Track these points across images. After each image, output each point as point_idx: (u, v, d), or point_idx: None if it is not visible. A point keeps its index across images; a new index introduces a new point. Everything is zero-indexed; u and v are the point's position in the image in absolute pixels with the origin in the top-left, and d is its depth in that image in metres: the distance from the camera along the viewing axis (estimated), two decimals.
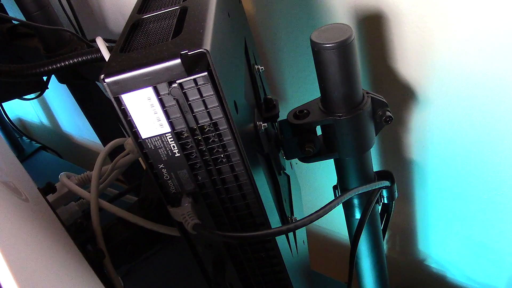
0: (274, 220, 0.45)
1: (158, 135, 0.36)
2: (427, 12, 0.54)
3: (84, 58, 0.61)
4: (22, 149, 1.61)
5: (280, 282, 0.49)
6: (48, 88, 1.04)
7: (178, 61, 0.32)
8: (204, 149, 0.37)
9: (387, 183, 0.58)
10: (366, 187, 0.55)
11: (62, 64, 0.62)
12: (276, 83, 0.78)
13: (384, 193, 0.60)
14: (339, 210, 0.56)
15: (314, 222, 0.41)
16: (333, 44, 0.45)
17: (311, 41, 0.46)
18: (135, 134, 0.36)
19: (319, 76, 0.49)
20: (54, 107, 1.58)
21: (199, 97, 0.34)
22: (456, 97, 0.59)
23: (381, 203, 0.62)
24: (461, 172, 0.67)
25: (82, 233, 0.50)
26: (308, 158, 0.54)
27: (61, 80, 0.90)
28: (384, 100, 0.52)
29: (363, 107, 0.50)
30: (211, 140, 0.37)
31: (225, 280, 0.47)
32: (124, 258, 0.53)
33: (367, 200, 0.57)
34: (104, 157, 0.55)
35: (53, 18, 0.81)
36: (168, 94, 0.34)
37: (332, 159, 0.56)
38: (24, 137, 1.67)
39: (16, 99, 1.14)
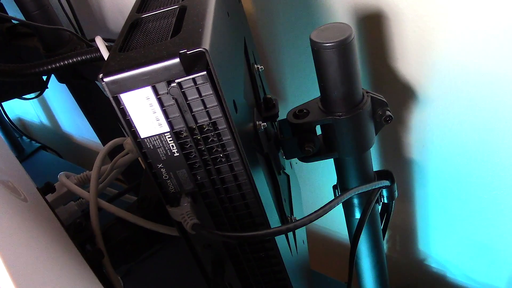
0: (274, 219, 0.45)
1: (157, 134, 0.36)
2: (427, 12, 0.54)
3: (83, 57, 0.61)
4: (22, 148, 1.61)
5: (280, 282, 0.49)
6: (48, 88, 1.04)
7: (177, 60, 0.32)
8: (203, 148, 0.37)
9: (387, 183, 0.58)
10: (366, 186, 0.55)
11: (62, 63, 0.62)
12: (276, 83, 0.78)
13: (384, 192, 0.60)
14: (339, 209, 0.56)
15: (314, 222, 0.41)
16: (332, 44, 0.45)
17: (311, 40, 0.46)
18: (134, 133, 0.36)
19: (318, 76, 0.49)
20: (54, 107, 1.58)
21: (198, 96, 0.34)
22: (456, 97, 0.59)
23: (381, 202, 0.62)
24: (461, 172, 0.67)
25: (81, 233, 0.50)
26: (307, 157, 0.54)
27: (60, 79, 0.90)
28: (384, 100, 0.52)
29: (363, 106, 0.50)
30: (210, 139, 0.36)
31: (224, 280, 0.47)
32: (123, 258, 0.52)
33: (367, 199, 0.57)
34: (103, 156, 0.55)
35: (52, 17, 0.81)
36: (167, 93, 0.34)
37: (332, 159, 0.56)
38: (24, 137, 1.67)
39: (16, 99, 1.13)
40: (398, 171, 0.74)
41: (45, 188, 0.53)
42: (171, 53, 0.32)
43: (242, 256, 0.46)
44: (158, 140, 0.36)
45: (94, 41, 0.59)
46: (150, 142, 0.36)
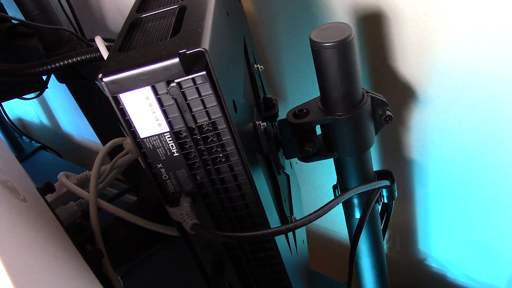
0: (274, 219, 0.45)
1: (157, 134, 0.36)
2: (427, 11, 0.54)
3: (83, 57, 0.61)
4: (22, 148, 1.61)
5: (280, 282, 0.49)
6: (47, 88, 1.04)
7: (177, 60, 0.32)
8: (203, 148, 0.37)
9: (387, 183, 0.58)
10: (365, 186, 0.55)
11: (61, 63, 0.62)
12: (276, 82, 0.78)
13: (384, 192, 0.60)
14: (339, 209, 0.56)
15: (313, 222, 0.41)
16: (332, 43, 0.45)
17: (311, 40, 0.46)
18: (134, 133, 0.36)
19: (318, 75, 0.49)
20: (54, 107, 1.58)
21: (197, 96, 0.34)
22: (456, 96, 0.59)
23: (381, 202, 0.62)
24: (461, 172, 0.67)
25: (81, 233, 0.50)
26: (307, 157, 0.54)
27: (60, 79, 0.90)
28: (383, 99, 0.52)
29: (363, 106, 0.50)
30: (209, 139, 0.36)
31: (224, 280, 0.47)
32: (123, 258, 0.52)
33: (367, 199, 0.57)
34: (103, 156, 0.55)
35: (52, 17, 0.81)
36: (167, 93, 0.34)
37: (332, 159, 0.56)
38: (24, 137, 1.67)
39: (16, 99, 1.13)
40: (398, 171, 0.74)
41: (45, 188, 0.53)
42: (171, 53, 0.32)
43: (242, 256, 0.46)
44: (158, 140, 0.36)
45: (94, 41, 0.59)
46: (150, 142, 0.36)
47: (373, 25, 0.59)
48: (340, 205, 0.56)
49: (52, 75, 0.98)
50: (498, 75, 0.53)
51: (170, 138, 0.36)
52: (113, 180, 0.59)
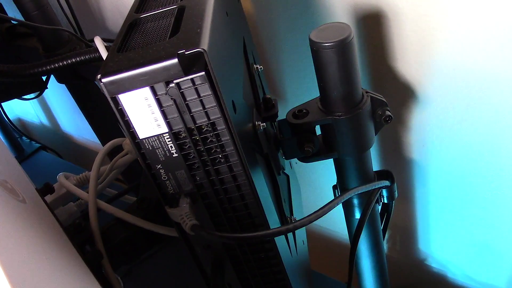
0: (273, 220, 0.45)
1: (156, 135, 0.36)
2: (427, 11, 0.54)
3: (82, 57, 0.61)
4: (22, 149, 1.61)
5: (280, 283, 0.49)
6: (47, 88, 1.04)
7: (175, 60, 0.32)
8: (202, 149, 0.37)
9: (387, 183, 0.58)
10: (365, 187, 0.55)
11: (61, 64, 0.61)
12: (275, 83, 0.78)
13: (384, 192, 0.60)
14: (339, 209, 0.56)
15: (313, 222, 0.41)
16: (332, 43, 0.44)
17: (310, 40, 0.46)
18: (133, 134, 0.36)
19: (318, 76, 0.49)
20: (54, 107, 1.58)
21: (196, 97, 0.34)
22: (457, 96, 0.59)
23: (381, 202, 0.62)
24: (462, 172, 0.67)
25: (80, 233, 0.50)
26: (307, 157, 0.54)
27: (60, 80, 0.90)
28: (383, 100, 0.52)
29: (363, 106, 0.50)
30: (209, 140, 0.36)
31: (224, 280, 0.47)
32: (122, 259, 0.52)
33: (367, 200, 0.57)
34: (103, 157, 0.55)
35: (51, 17, 0.81)
36: (166, 94, 0.33)
37: (332, 159, 0.56)
38: (23, 137, 1.67)
39: (16, 99, 1.13)
40: (398, 171, 0.74)
41: (44, 189, 0.53)
42: (170, 53, 0.32)
43: (241, 257, 0.46)
44: (157, 141, 0.36)
45: (93, 41, 0.59)
46: (149, 143, 0.36)
47: (373, 25, 0.59)
48: (340, 205, 0.56)
49: (52, 76, 0.98)
50: (499, 75, 0.53)
51: (169, 139, 0.36)
52: (113, 181, 0.59)
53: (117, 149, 0.58)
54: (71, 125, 1.59)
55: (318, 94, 0.52)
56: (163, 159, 0.37)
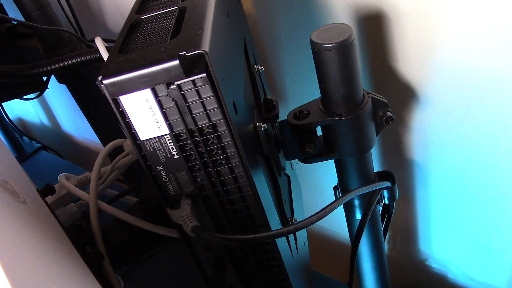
0: (274, 221, 0.45)
1: (157, 137, 0.36)
2: (428, 12, 0.53)
3: (83, 58, 0.61)
4: (22, 149, 1.61)
5: (281, 284, 0.49)
6: (48, 88, 1.04)
7: (177, 62, 0.32)
8: (203, 150, 0.37)
9: (388, 184, 0.58)
10: (367, 188, 0.55)
11: (62, 64, 0.62)
12: (276, 83, 0.78)
13: (385, 193, 0.60)
14: (339, 210, 0.56)
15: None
16: (333, 44, 0.44)
17: (311, 41, 0.46)
18: (134, 136, 0.36)
19: (319, 77, 0.48)
20: (54, 107, 1.58)
21: (197, 98, 0.34)
22: (458, 97, 0.59)
23: (382, 203, 0.62)
24: (462, 172, 0.67)
25: (81, 234, 0.50)
26: (308, 158, 0.54)
27: (60, 80, 0.90)
28: (384, 100, 0.52)
29: (364, 107, 0.50)
30: (210, 141, 0.36)
31: (225, 281, 0.47)
32: (123, 260, 0.52)
33: (367, 201, 0.57)
34: (103, 158, 0.55)
35: (52, 18, 0.80)
36: (167, 95, 0.33)
37: (333, 160, 0.56)
38: (24, 137, 1.67)
39: (16, 99, 1.13)
40: (399, 172, 0.74)
41: (45, 190, 0.53)
42: (171, 55, 0.32)
43: (242, 258, 0.46)
44: (158, 142, 0.36)
45: (94, 41, 0.59)
46: (150, 144, 0.36)
47: (374, 26, 0.59)
48: (341, 206, 0.56)
49: (52, 76, 0.98)
50: (499, 75, 0.53)
51: (171, 140, 0.36)
52: (114, 181, 0.59)
53: (118, 149, 0.58)
54: (72, 125, 1.59)
55: (319, 95, 0.51)
56: (164, 160, 0.37)
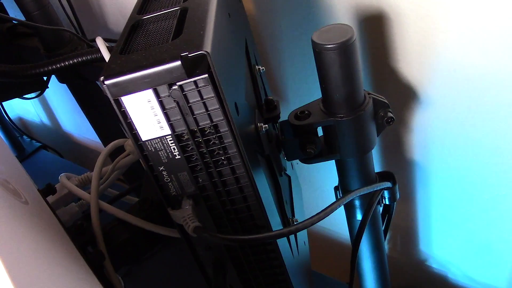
0: (275, 221, 0.45)
1: (159, 137, 0.36)
2: (429, 12, 0.54)
3: (84, 58, 0.61)
4: (23, 148, 1.61)
5: (281, 284, 0.49)
6: (48, 88, 1.04)
7: (179, 63, 0.32)
8: (205, 151, 0.37)
9: (388, 184, 0.58)
10: (367, 188, 0.55)
11: (63, 64, 0.62)
12: (277, 84, 0.78)
13: (386, 194, 0.60)
14: (340, 210, 0.56)
15: None
16: (334, 45, 0.44)
17: (313, 41, 0.46)
18: (135, 136, 0.36)
19: (320, 77, 0.48)
20: (55, 106, 1.58)
21: (199, 99, 0.34)
22: (458, 97, 0.59)
23: (382, 204, 0.62)
24: (463, 173, 0.67)
25: (82, 234, 0.50)
26: (309, 159, 0.54)
27: (61, 80, 0.90)
28: (385, 101, 0.52)
29: (365, 108, 0.50)
30: (211, 142, 0.36)
31: (226, 282, 0.47)
32: (124, 260, 0.52)
33: (368, 201, 0.57)
34: (105, 158, 0.55)
35: (53, 17, 0.80)
36: (169, 96, 0.33)
37: (334, 160, 0.56)
38: (24, 136, 1.67)
39: (17, 98, 1.13)
40: (400, 172, 0.74)
41: (46, 190, 0.53)
42: (173, 55, 0.32)
43: (243, 258, 0.46)
44: (160, 142, 0.36)
45: (95, 41, 0.59)
46: (152, 145, 0.36)
47: (375, 26, 0.59)
48: (342, 206, 0.56)
49: (53, 75, 0.98)
50: (500, 75, 0.53)
51: (172, 141, 0.36)
52: (114, 181, 0.59)
53: (119, 149, 0.58)
54: (72, 124, 1.59)
55: (320, 96, 0.51)
56: (166, 161, 0.37)
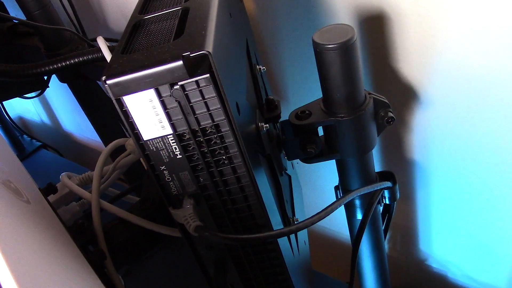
0: (276, 221, 0.45)
1: (160, 137, 0.36)
2: (430, 12, 0.54)
3: (85, 57, 0.61)
4: (23, 147, 1.61)
5: (282, 283, 0.49)
6: (48, 87, 1.04)
7: (180, 63, 0.32)
8: (206, 150, 0.37)
9: (389, 184, 0.58)
10: (367, 188, 0.55)
11: (64, 63, 0.62)
12: (278, 84, 0.78)
13: (386, 193, 0.60)
14: (340, 210, 0.56)
15: None
16: (335, 45, 0.44)
17: (313, 41, 0.46)
18: (137, 135, 0.36)
19: (321, 77, 0.49)
20: (55, 105, 1.58)
21: (201, 99, 0.34)
22: (458, 97, 0.59)
23: (382, 203, 0.62)
24: (463, 172, 0.67)
25: (83, 233, 0.50)
26: (310, 159, 0.54)
27: (62, 79, 0.90)
28: (386, 101, 0.52)
29: (365, 107, 0.50)
30: (213, 141, 0.36)
31: (227, 281, 0.47)
32: (125, 259, 0.52)
33: (368, 201, 0.57)
34: (106, 157, 0.55)
35: (53, 17, 0.81)
36: (170, 96, 0.34)
37: (334, 160, 0.56)
38: (24, 136, 1.67)
39: (17, 98, 1.13)
40: (400, 172, 0.74)
41: (47, 189, 0.53)
42: (174, 55, 0.32)
43: (244, 258, 0.46)
44: (161, 142, 0.36)
45: (96, 40, 0.59)
46: (153, 144, 0.36)
47: (375, 26, 0.59)
48: (342, 206, 0.56)
49: (53, 74, 0.98)
50: (500, 76, 0.53)
51: (174, 141, 0.36)
52: (115, 180, 0.59)
53: (120, 149, 0.58)
54: (72, 124, 1.59)
55: (321, 95, 0.52)
56: (167, 160, 0.37)
